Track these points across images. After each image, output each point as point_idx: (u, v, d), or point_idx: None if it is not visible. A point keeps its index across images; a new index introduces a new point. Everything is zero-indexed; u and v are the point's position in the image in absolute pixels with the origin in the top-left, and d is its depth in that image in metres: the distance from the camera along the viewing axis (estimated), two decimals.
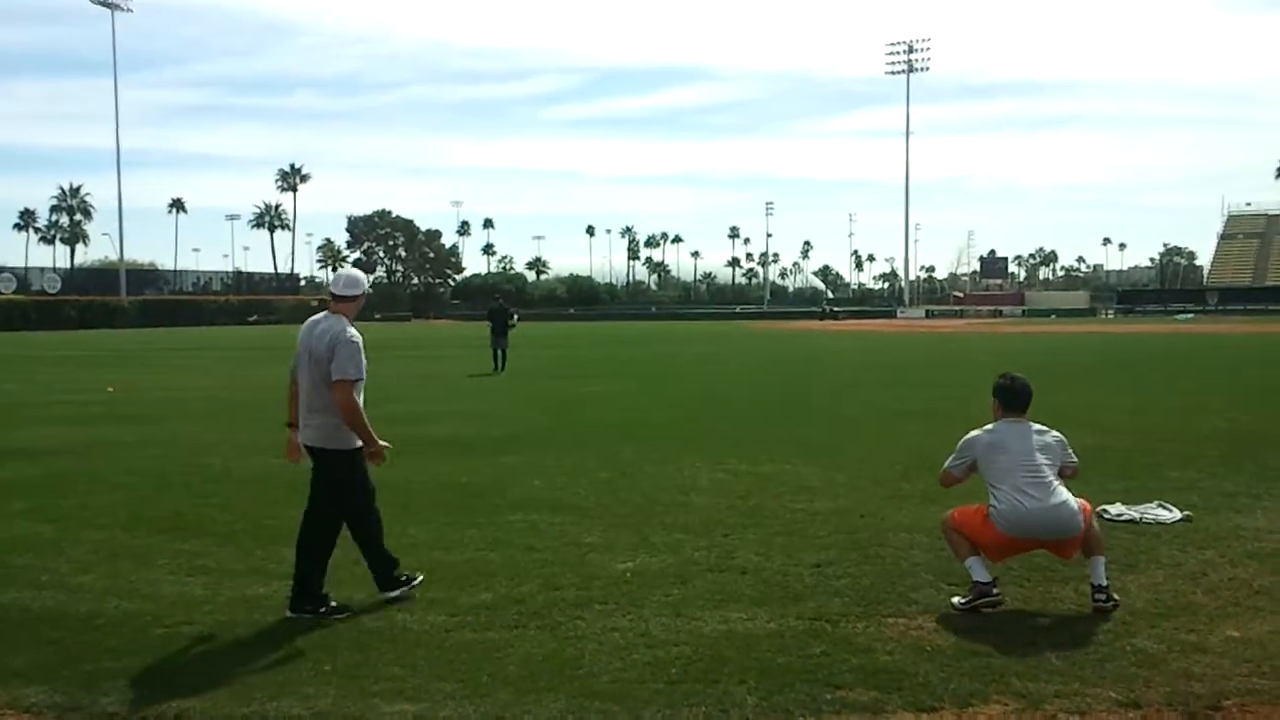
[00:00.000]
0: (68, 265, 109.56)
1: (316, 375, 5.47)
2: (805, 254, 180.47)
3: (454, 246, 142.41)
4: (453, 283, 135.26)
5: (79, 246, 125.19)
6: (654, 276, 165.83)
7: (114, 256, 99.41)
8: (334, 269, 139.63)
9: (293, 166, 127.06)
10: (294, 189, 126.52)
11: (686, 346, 39.44)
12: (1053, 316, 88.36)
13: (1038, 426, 5.65)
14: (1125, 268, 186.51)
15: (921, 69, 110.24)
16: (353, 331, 5.50)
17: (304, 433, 5.55)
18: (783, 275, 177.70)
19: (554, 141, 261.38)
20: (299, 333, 5.70)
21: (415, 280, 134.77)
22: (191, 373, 26.88)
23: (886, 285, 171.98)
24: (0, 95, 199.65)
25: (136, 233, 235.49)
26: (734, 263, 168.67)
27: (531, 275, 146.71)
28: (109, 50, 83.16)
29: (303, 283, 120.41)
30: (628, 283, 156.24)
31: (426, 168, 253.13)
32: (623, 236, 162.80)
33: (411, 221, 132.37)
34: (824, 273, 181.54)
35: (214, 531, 7.47)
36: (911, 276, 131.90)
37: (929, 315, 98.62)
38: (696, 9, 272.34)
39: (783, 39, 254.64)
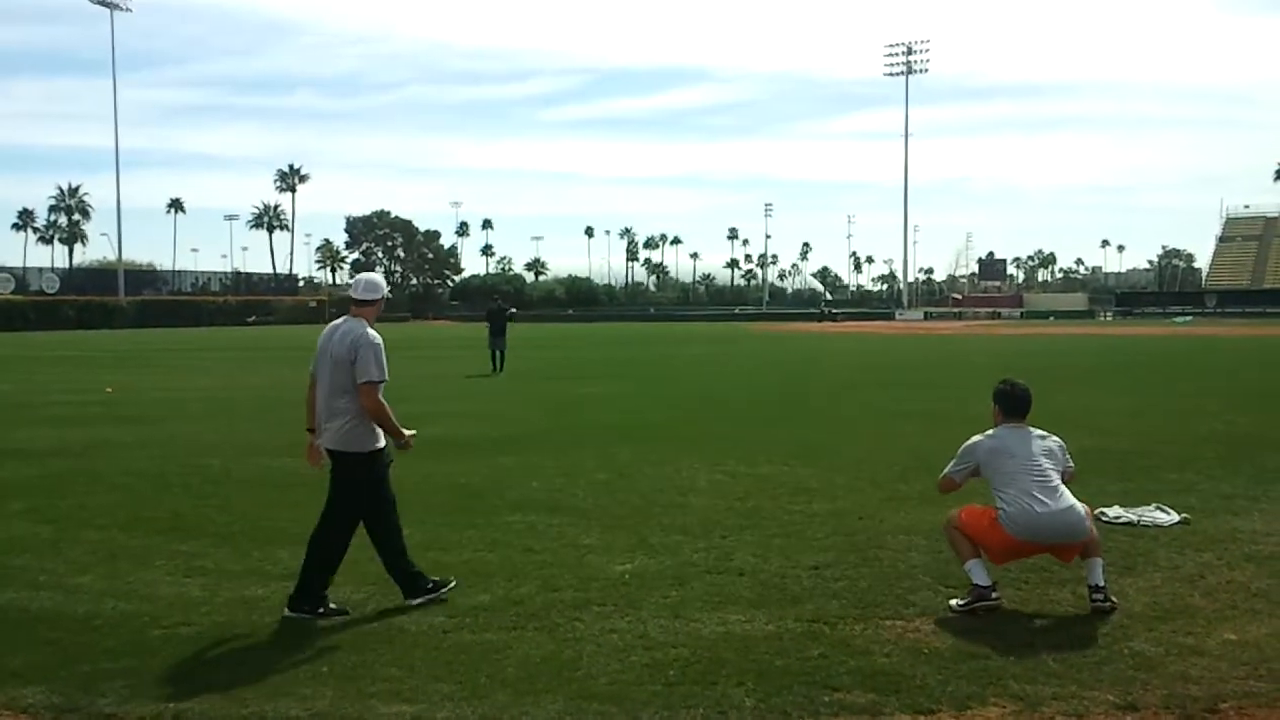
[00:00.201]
0: (66, 265, 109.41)
1: (336, 378, 5.50)
2: (804, 256, 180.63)
3: (453, 247, 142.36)
4: (451, 283, 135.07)
5: (77, 246, 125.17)
6: (653, 278, 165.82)
7: (112, 257, 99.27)
8: (333, 270, 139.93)
9: (291, 167, 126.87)
10: (293, 189, 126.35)
11: (685, 348, 39.44)
12: (1051, 318, 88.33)
13: (1038, 432, 5.66)
14: (1124, 270, 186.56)
15: (920, 71, 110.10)
16: (374, 334, 5.56)
17: (323, 436, 5.59)
18: (781, 277, 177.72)
19: (553, 142, 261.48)
20: (319, 337, 5.73)
21: (414, 281, 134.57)
22: (190, 373, 26.85)
23: (885, 287, 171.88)
24: None
25: (135, 233, 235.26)
26: (733, 264, 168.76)
27: (530, 276, 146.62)
28: (108, 50, 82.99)
29: (301, 283, 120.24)
30: (626, 284, 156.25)
31: (426, 168, 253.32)
32: (622, 238, 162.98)
33: (410, 222, 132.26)
34: (823, 274, 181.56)
35: (212, 533, 7.46)
36: (910, 278, 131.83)
37: (927, 317, 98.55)
38: (696, 11, 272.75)
39: (782, 41, 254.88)
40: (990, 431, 5.70)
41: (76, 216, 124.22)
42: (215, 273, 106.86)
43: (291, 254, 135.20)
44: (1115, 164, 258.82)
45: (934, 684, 4.40)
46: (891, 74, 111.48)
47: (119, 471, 10.24)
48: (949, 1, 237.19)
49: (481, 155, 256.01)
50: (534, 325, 69.31)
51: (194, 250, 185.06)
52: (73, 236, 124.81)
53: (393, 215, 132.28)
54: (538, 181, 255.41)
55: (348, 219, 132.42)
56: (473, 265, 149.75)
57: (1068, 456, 5.65)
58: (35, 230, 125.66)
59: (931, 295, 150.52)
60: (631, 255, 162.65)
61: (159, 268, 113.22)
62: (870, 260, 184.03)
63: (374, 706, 4.25)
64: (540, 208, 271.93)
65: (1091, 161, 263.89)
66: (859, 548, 6.74)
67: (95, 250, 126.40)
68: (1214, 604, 5.50)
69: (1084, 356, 31.41)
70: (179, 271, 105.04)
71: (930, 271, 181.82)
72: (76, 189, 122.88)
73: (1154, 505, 7.74)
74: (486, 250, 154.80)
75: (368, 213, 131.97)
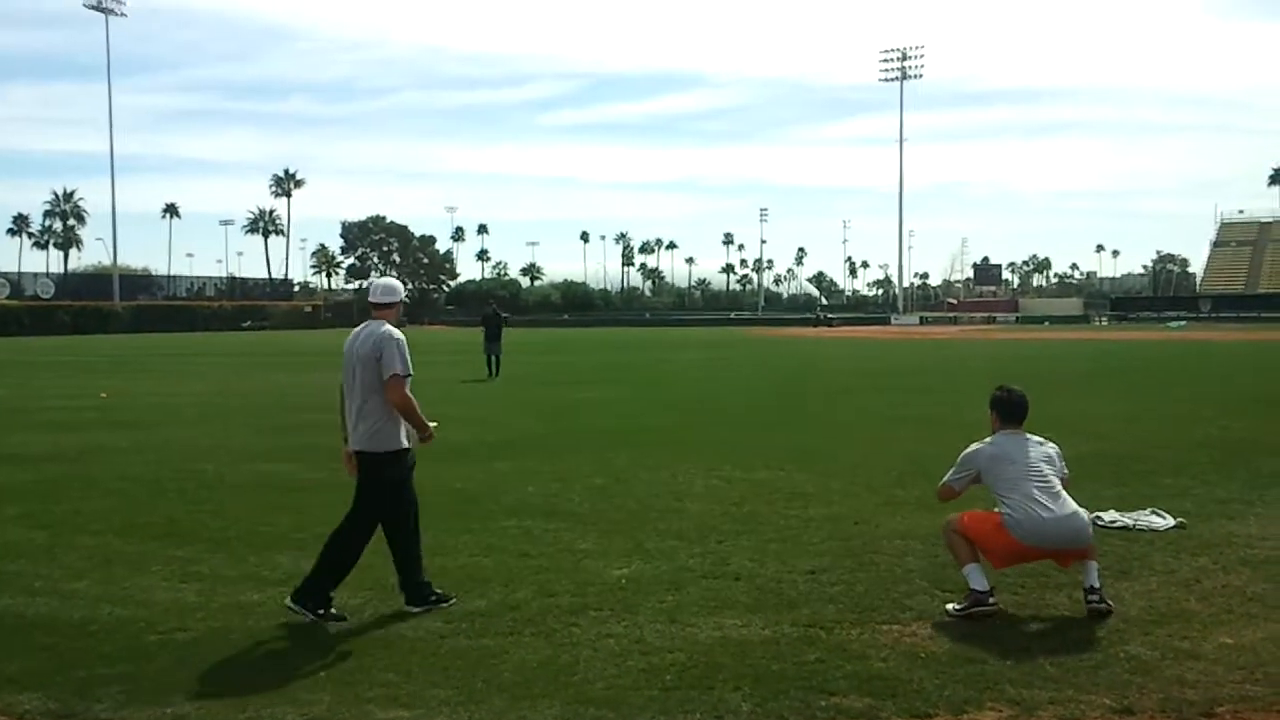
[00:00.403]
0: (61, 270, 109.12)
1: (365, 378, 5.58)
2: (799, 260, 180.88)
3: (448, 252, 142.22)
4: (447, 288, 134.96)
5: (72, 252, 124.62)
6: (648, 283, 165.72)
7: (107, 262, 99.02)
8: (328, 275, 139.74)
9: (287, 172, 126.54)
10: (288, 194, 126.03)
11: (680, 353, 39.45)
12: (1046, 323, 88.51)
13: (1036, 438, 5.68)
14: (1119, 275, 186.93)
15: (915, 76, 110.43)
16: (396, 331, 5.67)
17: (353, 439, 5.65)
18: (777, 282, 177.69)
19: (549, 147, 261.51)
20: (344, 346, 5.78)
21: (409, 286, 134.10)
22: (185, 378, 26.82)
23: (880, 292, 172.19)
24: None
25: (130, 238, 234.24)
26: (728, 269, 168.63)
27: (526, 281, 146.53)
28: (103, 54, 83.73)
29: (296, 289, 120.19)
30: (622, 289, 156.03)
31: (421, 173, 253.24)
32: (617, 243, 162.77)
33: (406, 227, 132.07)
34: (818, 279, 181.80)
35: (207, 538, 7.45)
36: (905, 283, 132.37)
37: (923, 322, 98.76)
38: (692, 16, 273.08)
39: (777, 46, 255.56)
40: (989, 439, 5.71)
41: (71, 222, 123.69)
42: (210, 278, 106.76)
43: (287, 259, 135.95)
44: (1110, 169, 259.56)
45: (930, 688, 4.40)
46: (886, 79, 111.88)
47: (114, 477, 10.22)
48: (944, 7, 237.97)
49: (477, 160, 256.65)
50: (529, 330, 69.33)
51: (189, 255, 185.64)
52: (68, 242, 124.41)
53: (388, 220, 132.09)
54: (533, 186, 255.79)
55: (343, 224, 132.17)
56: (468, 270, 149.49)
57: (1063, 462, 5.67)
58: (30, 235, 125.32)
59: (927, 300, 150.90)
60: (627, 260, 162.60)
61: (154, 273, 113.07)
62: (865, 265, 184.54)
63: (371, 712, 4.25)
64: (536, 213, 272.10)
65: (1087, 166, 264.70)
66: (855, 552, 6.74)
67: (90, 255, 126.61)
68: (1210, 608, 5.51)
69: (1079, 361, 31.46)
70: (174, 277, 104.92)
71: (925, 276, 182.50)
72: (71, 194, 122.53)
73: (1149, 509, 7.75)
74: (482, 255, 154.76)
75: (363, 218, 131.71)
